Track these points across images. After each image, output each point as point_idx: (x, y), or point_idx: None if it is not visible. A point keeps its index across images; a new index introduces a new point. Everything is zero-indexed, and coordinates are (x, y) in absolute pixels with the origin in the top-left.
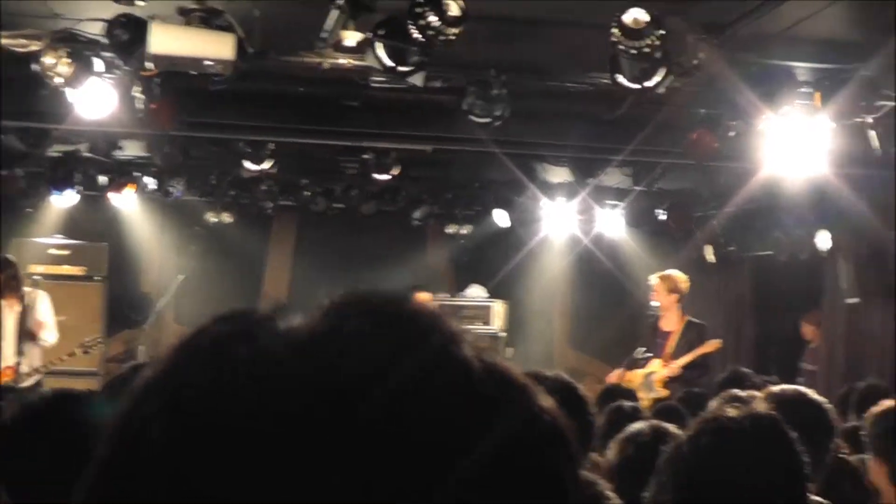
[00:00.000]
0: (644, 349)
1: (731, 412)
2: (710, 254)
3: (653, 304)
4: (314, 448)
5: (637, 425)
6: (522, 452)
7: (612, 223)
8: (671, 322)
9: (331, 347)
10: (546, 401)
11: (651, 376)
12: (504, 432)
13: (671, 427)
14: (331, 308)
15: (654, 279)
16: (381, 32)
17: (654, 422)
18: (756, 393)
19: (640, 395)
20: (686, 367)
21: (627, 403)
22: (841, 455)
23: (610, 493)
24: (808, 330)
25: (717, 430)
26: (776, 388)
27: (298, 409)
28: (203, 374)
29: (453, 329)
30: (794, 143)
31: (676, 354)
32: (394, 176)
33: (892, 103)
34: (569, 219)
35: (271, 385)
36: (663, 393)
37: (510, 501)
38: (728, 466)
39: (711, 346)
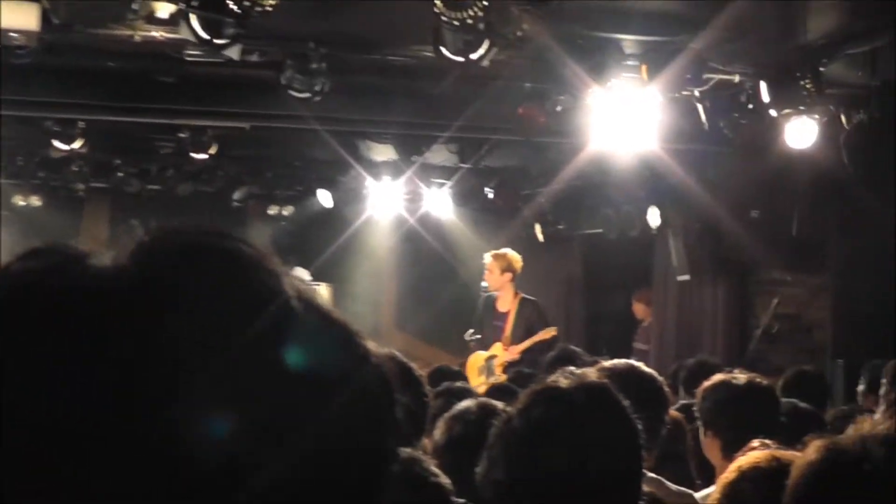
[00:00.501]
0: (473, 331)
1: (563, 382)
2: (539, 232)
3: (483, 284)
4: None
5: (465, 403)
6: (346, 393)
7: (439, 202)
8: (506, 302)
9: (139, 284)
10: (367, 341)
11: (492, 360)
12: (326, 370)
13: (500, 405)
14: (144, 245)
15: (487, 258)
16: (194, 3)
17: (483, 399)
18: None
19: (480, 379)
20: (525, 352)
21: (457, 384)
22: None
23: (436, 471)
24: (639, 308)
25: (548, 400)
26: (607, 363)
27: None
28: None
29: (274, 265)
30: (622, 118)
31: (515, 334)
32: (211, 155)
33: (720, 76)
34: (394, 198)
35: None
36: (503, 378)
37: (333, 442)
38: (561, 437)
39: (548, 332)
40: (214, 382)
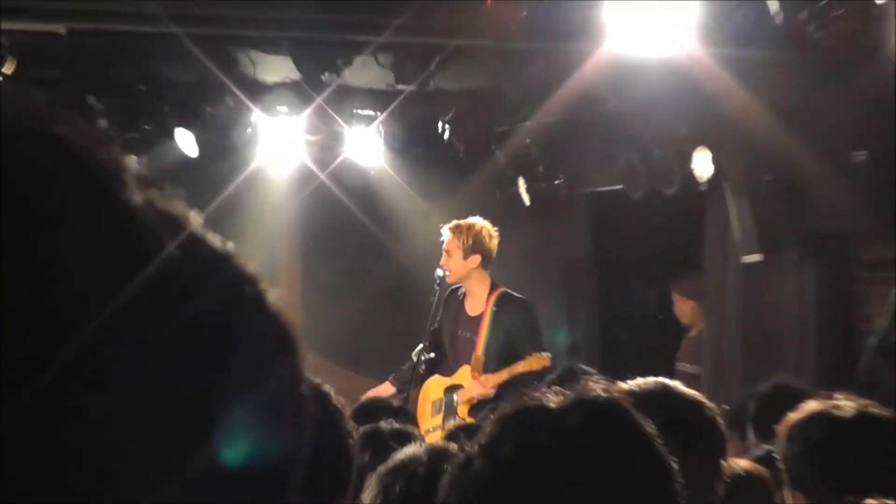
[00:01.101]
0: (422, 346)
1: (549, 400)
2: (523, 191)
3: (439, 272)
4: None
5: (409, 450)
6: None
7: (365, 146)
8: (477, 300)
9: None
10: (251, 269)
11: (454, 393)
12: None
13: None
14: None
15: (445, 233)
16: None
17: (436, 443)
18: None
19: (436, 420)
20: (506, 385)
21: (395, 426)
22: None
23: None
24: (683, 308)
25: (527, 428)
26: (632, 382)
27: None
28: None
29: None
30: (649, 10)
31: (491, 352)
32: (7, 76)
33: None
34: (295, 141)
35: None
36: (468, 421)
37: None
38: (546, 483)
39: (538, 361)
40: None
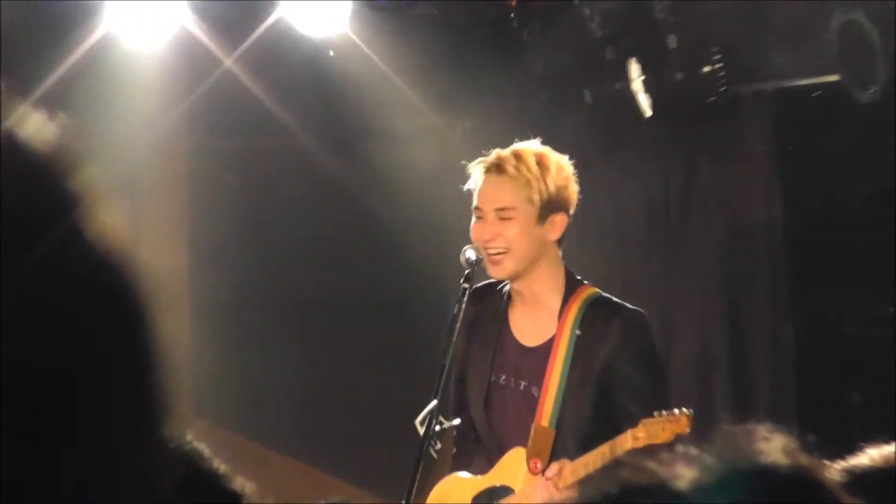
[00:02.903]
0: (436, 403)
1: (766, 450)
2: (639, 86)
3: (471, 253)
4: None
5: None
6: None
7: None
8: (541, 314)
9: None
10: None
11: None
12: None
13: None
14: None
15: (481, 172)
16: None
17: None
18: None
19: None
20: (598, 480)
21: None
22: None
23: None
24: None
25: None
26: (863, 455)
27: None
28: None
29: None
30: None
31: (572, 418)
32: None
33: None
34: None
35: None
36: None
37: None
38: None
39: (663, 428)
40: None
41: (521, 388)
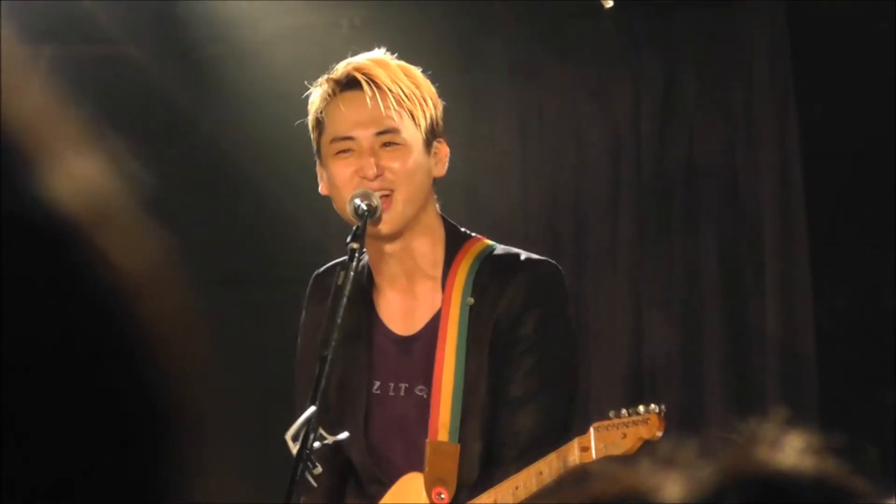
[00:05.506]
0: (314, 410)
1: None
2: None
3: (358, 202)
4: None
5: None
6: None
7: None
8: (421, 289)
9: None
10: None
11: None
12: None
13: None
14: None
15: (334, 89)
16: None
17: None
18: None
19: None
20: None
21: None
22: None
23: None
24: None
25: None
26: None
27: None
28: None
29: None
30: None
31: (471, 413)
32: None
33: None
34: None
35: None
36: None
37: None
38: None
39: (639, 431)
40: None
41: (402, 392)
